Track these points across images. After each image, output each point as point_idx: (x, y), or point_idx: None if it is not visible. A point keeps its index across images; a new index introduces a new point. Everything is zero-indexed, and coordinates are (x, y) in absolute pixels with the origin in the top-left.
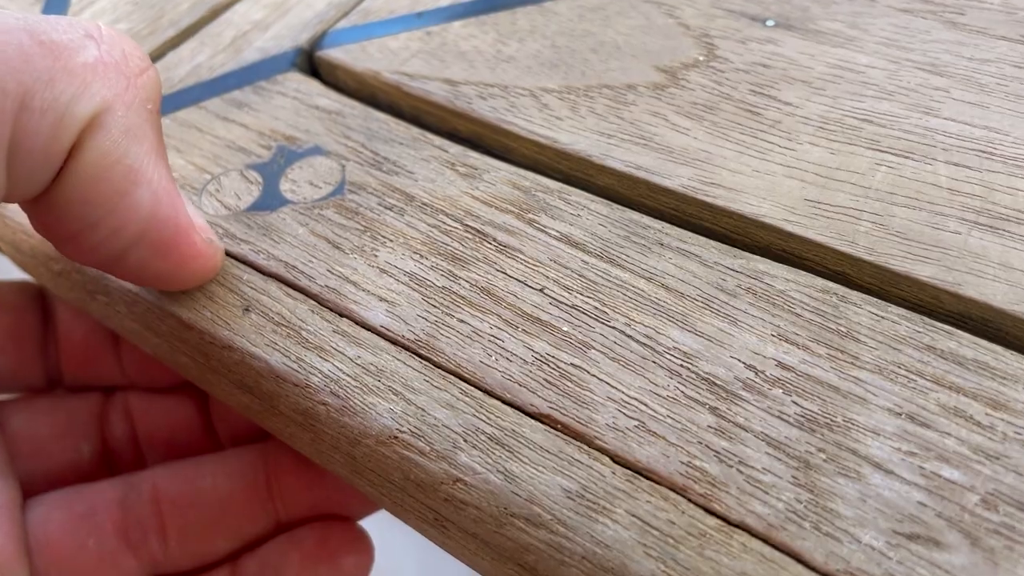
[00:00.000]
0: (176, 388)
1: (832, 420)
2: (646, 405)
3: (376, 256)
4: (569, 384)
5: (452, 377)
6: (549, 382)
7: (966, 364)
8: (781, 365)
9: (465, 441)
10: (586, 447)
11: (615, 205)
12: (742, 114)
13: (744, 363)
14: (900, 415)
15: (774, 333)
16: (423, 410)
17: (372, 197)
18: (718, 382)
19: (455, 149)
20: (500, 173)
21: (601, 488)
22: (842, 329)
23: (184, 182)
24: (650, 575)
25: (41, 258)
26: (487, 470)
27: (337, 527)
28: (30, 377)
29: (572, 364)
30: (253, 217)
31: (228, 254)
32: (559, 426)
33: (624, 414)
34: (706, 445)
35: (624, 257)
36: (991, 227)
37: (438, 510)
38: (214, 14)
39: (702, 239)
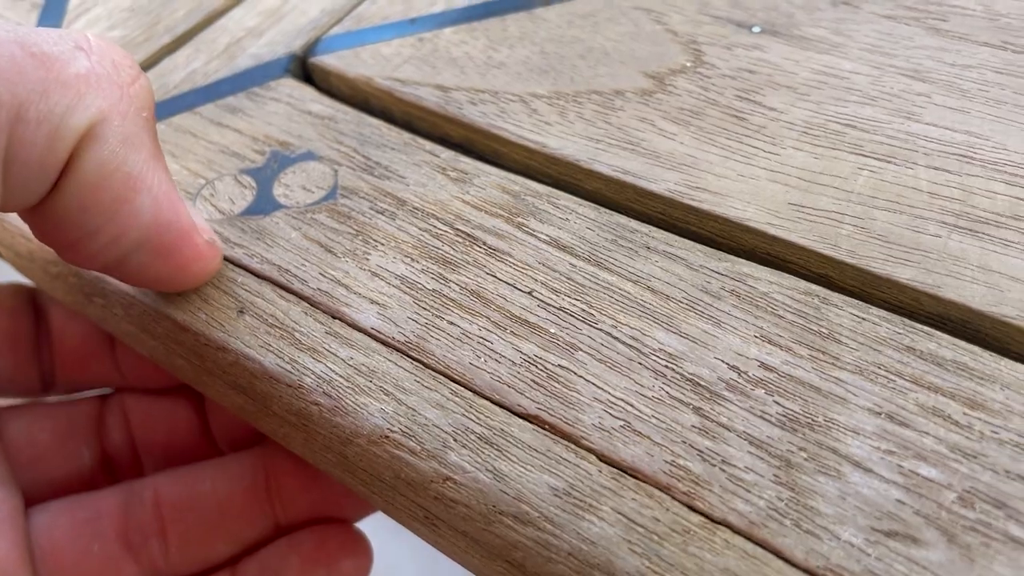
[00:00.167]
0: (172, 390)
1: (813, 420)
2: (632, 405)
3: (368, 259)
4: (556, 385)
5: (442, 378)
6: (537, 383)
7: (945, 365)
8: (764, 366)
9: (455, 440)
10: (573, 446)
11: (603, 209)
12: (728, 119)
13: (727, 364)
14: (880, 415)
15: (757, 334)
16: (414, 410)
17: (364, 201)
18: (702, 383)
19: (446, 154)
20: (490, 178)
21: (587, 486)
22: (824, 330)
23: (179, 187)
24: (635, 571)
25: (39, 261)
26: (476, 469)
27: (335, 530)
28: (25, 380)
29: (560, 365)
30: (247, 221)
31: (223, 257)
32: (547, 426)
33: (610, 414)
34: (690, 444)
35: (611, 260)
36: (970, 230)
37: (428, 508)
38: (209, 21)
39: (688, 242)
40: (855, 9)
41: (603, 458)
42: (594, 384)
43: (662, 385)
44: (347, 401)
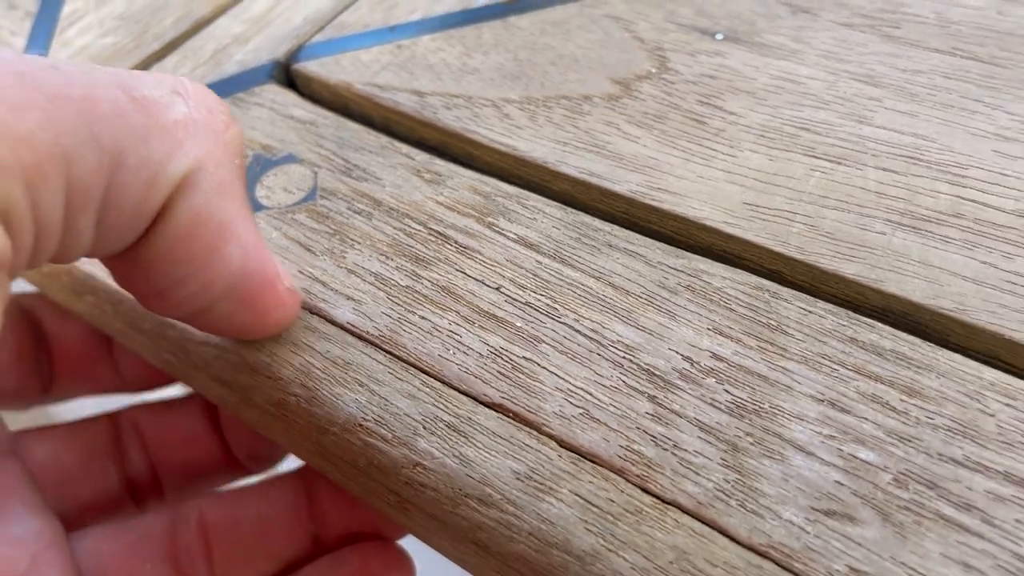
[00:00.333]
0: (181, 401)
1: (760, 407)
2: (590, 394)
3: (345, 258)
4: (521, 375)
5: (413, 369)
6: (503, 374)
7: (885, 354)
8: (715, 356)
9: (424, 428)
10: (535, 433)
11: (569, 209)
12: (689, 123)
13: (681, 355)
14: (822, 402)
15: (710, 327)
16: (386, 400)
17: (342, 202)
18: (657, 372)
19: (421, 157)
20: (463, 179)
21: (548, 470)
22: (772, 323)
23: None
24: (590, 549)
25: None
26: (444, 455)
27: (378, 547)
28: (26, 389)
29: (524, 357)
30: None
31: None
32: (511, 414)
33: (570, 403)
34: (644, 430)
35: (575, 257)
36: (913, 228)
37: (399, 492)
38: (196, 28)
39: (648, 240)
40: (814, 17)
41: (563, 444)
42: (556, 374)
43: (619, 375)
44: (323, 392)
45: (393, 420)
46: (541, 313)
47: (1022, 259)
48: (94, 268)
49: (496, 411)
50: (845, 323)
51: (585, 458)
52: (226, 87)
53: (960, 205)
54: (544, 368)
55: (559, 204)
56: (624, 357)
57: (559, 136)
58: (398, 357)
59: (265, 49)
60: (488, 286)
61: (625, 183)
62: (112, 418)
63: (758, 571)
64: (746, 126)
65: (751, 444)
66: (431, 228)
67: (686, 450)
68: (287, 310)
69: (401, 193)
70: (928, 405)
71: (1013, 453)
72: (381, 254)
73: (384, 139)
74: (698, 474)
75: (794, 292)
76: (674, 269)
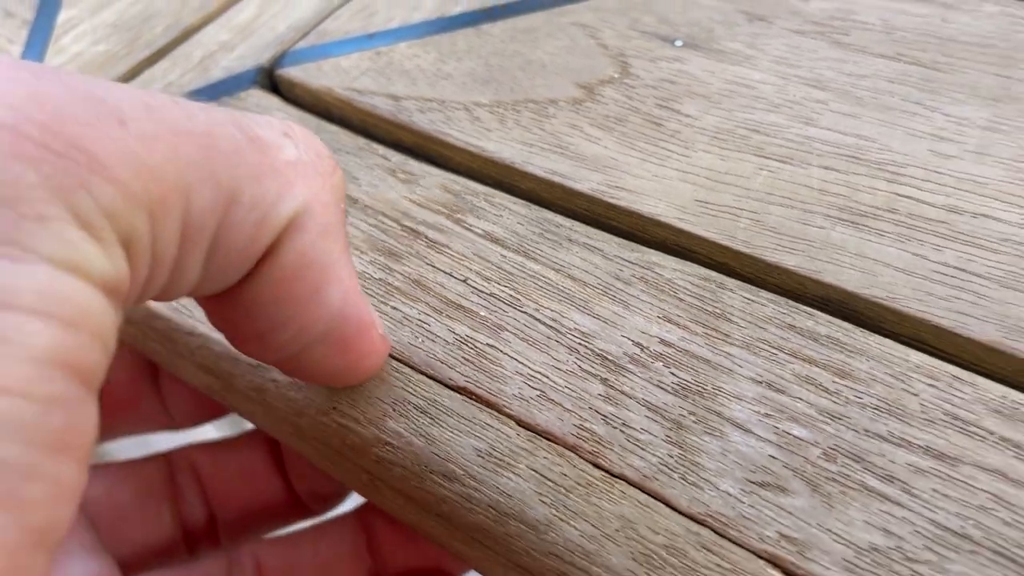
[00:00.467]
0: (240, 439)
1: (703, 388)
2: (548, 378)
3: None
4: (484, 361)
5: None
6: (467, 360)
7: (820, 340)
8: (663, 342)
9: (393, 410)
10: (496, 413)
11: (533, 206)
12: (647, 125)
13: (632, 341)
14: (760, 383)
15: (659, 315)
16: (359, 386)
17: None
18: (609, 357)
19: (396, 157)
20: (435, 178)
21: (506, 447)
22: (717, 311)
23: None
24: (544, 519)
25: None
26: (411, 434)
27: None
28: None
29: (488, 344)
30: None
31: None
32: (474, 396)
33: (529, 385)
34: (595, 410)
35: (538, 251)
36: (851, 222)
37: (370, 470)
38: (185, 36)
39: (606, 235)
40: (768, 24)
41: (521, 423)
42: (517, 360)
43: (575, 360)
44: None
45: (365, 403)
46: (504, 303)
47: (950, 251)
48: None
49: (460, 394)
50: (785, 311)
51: (541, 436)
52: (212, 92)
53: (896, 201)
54: (506, 354)
55: (524, 202)
56: (580, 343)
57: (526, 138)
58: None
59: (250, 56)
60: (456, 278)
61: (586, 182)
62: (167, 458)
63: (696, 538)
64: (701, 128)
65: (694, 422)
66: (404, 224)
67: (634, 428)
68: (378, 357)
69: (376, 192)
70: (858, 386)
71: (934, 429)
72: (356, 249)
73: (362, 141)
74: (644, 450)
75: (739, 283)
76: (629, 262)
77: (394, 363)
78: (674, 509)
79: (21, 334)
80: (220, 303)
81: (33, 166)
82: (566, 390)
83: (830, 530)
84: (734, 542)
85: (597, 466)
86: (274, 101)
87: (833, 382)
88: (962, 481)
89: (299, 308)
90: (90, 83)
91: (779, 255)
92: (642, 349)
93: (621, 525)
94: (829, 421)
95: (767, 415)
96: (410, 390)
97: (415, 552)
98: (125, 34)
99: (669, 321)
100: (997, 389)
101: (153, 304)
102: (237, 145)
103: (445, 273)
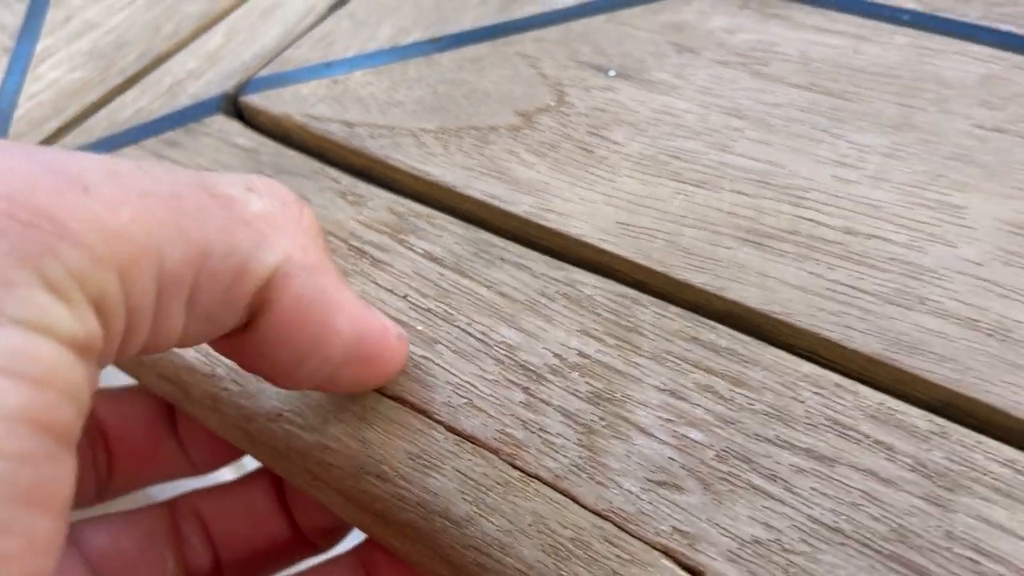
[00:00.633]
0: (245, 478)
1: (613, 396)
2: (475, 387)
3: None
4: (419, 372)
5: None
6: (403, 370)
7: (720, 351)
8: (581, 354)
9: (335, 417)
10: (426, 419)
11: (471, 227)
12: (578, 152)
13: (553, 353)
14: (664, 391)
15: (578, 329)
16: (303, 393)
17: None
18: (531, 368)
19: (347, 181)
20: (381, 201)
21: (435, 450)
22: (630, 325)
23: None
24: (465, 515)
25: None
26: (348, 438)
27: None
28: (80, 485)
29: (423, 356)
30: None
31: None
32: (407, 404)
33: (457, 394)
34: (516, 416)
35: (472, 269)
36: (756, 243)
37: (313, 471)
38: (156, 63)
39: (536, 254)
40: (696, 56)
41: (449, 428)
42: (448, 370)
43: (500, 370)
44: (250, 386)
45: (309, 410)
46: (439, 318)
47: (843, 270)
48: None
49: (395, 401)
50: (691, 325)
51: (466, 440)
52: (179, 118)
53: (798, 223)
54: (438, 365)
55: (464, 223)
56: (505, 355)
57: (467, 163)
58: None
59: (216, 83)
60: (396, 295)
61: (520, 204)
62: (170, 505)
63: (600, 531)
64: (626, 154)
65: (603, 427)
66: (351, 244)
67: (549, 432)
68: (402, 357)
69: (327, 213)
70: (751, 393)
71: (816, 433)
72: None
73: (316, 165)
74: (558, 452)
75: (653, 299)
76: (554, 279)
77: None
78: (581, 505)
79: None
80: (244, 353)
81: (1, 236)
82: (491, 398)
83: (718, 524)
84: (633, 535)
85: (515, 467)
86: (236, 127)
87: (729, 390)
88: (838, 480)
89: (314, 344)
90: (55, 155)
91: (689, 273)
92: (561, 360)
93: (533, 520)
94: (723, 426)
95: (668, 420)
96: (350, 399)
97: None
98: (99, 61)
99: (587, 334)
100: (876, 396)
101: None
102: (203, 203)
103: (387, 290)
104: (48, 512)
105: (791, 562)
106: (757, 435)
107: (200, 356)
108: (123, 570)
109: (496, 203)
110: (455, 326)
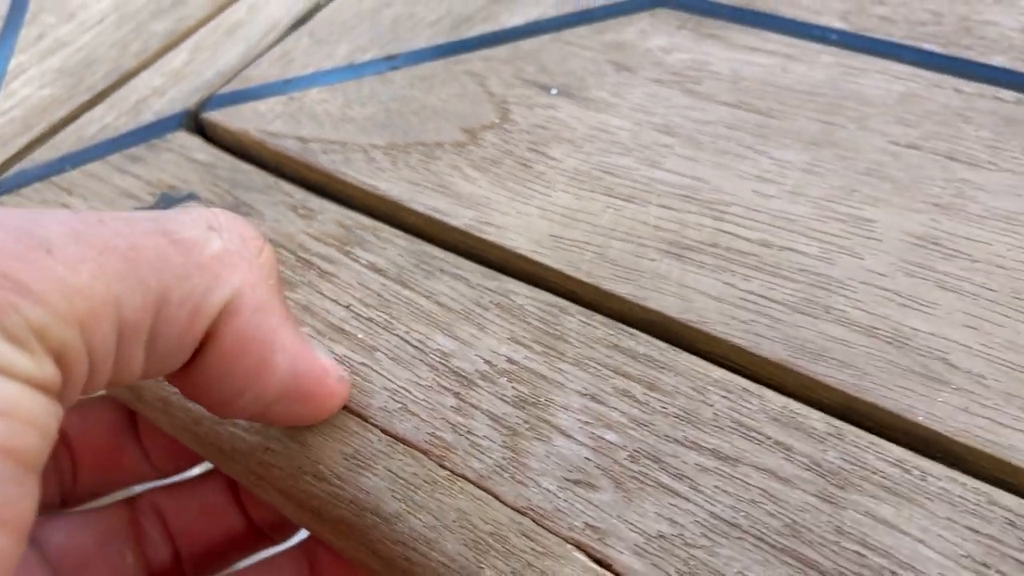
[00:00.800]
0: (202, 476)
1: (537, 400)
2: (410, 392)
3: None
4: (357, 378)
5: None
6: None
7: (638, 357)
8: (509, 360)
9: None
10: (363, 422)
11: (415, 239)
12: (518, 167)
13: (484, 359)
14: (585, 395)
15: (509, 336)
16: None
17: None
18: (463, 374)
19: (299, 195)
20: (331, 214)
21: (369, 451)
22: (557, 333)
23: None
24: (394, 512)
25: None
26: (288, 439)
27: None
28: (46, 493)
29: (362, 363)
30: None
31: None
32: (346, 408)
33: (393, 399)
34: (446, 420)
35: (413, 280)
36: (678, 255)
37: (255, 471)
38: (123, 81)
39: (474, 265)
40: (633, 74)
41: (384, 431)
42: (385, 377)
43: (434, 376)
44: None
45: None
46: (379, 327)
47: (757, 280)
48: None
49: None
50: (613, 333)
51: (399, 442)
52: (143, 134)
53: (718, 236)
54: (376, 372)
55: (408, 235)
56: (440, 362)
57: (413, 178)
58: None
59: (179, 99)
60: (340, 304)
61: (461, 218)
62: (130, 502)
63: (518, 526)
64: (562, 170)
65: (526, 429)
66: (299, 256)
67: (477, 435)
68: (338, 399)
69: (279, 226)
70: (664, 398)
71: (721, 435)
72: None
73: (271, 179)
74: (483, 453)
75: (580, 308)
76: (489, 290)
77: None
78: (503, 503)
79: None
80: (185, 382)
81: None
82: (424, 403)
83: (627, 520)
84: (548, 530)
85: (443, 467)
86: (196, 142)
87: (644, 394)
88: (739, 479)
89: (250, 379)
90: (21, 218)
91: (614, 284)
92: (491, 366)
93: (457, 516)
94: (637, 428)
95: (587, 423)
96: None
97: None
98: (69, 79)
99: (516, 342)
100: (780, 400)
101: None
102: (162, 252)
103: (331, 300)
104: (7, 531)
105: (692, 555)
106: (667, 436)
107: None
108: (82, 567)
109: (439, 216)
110: (394, 334)
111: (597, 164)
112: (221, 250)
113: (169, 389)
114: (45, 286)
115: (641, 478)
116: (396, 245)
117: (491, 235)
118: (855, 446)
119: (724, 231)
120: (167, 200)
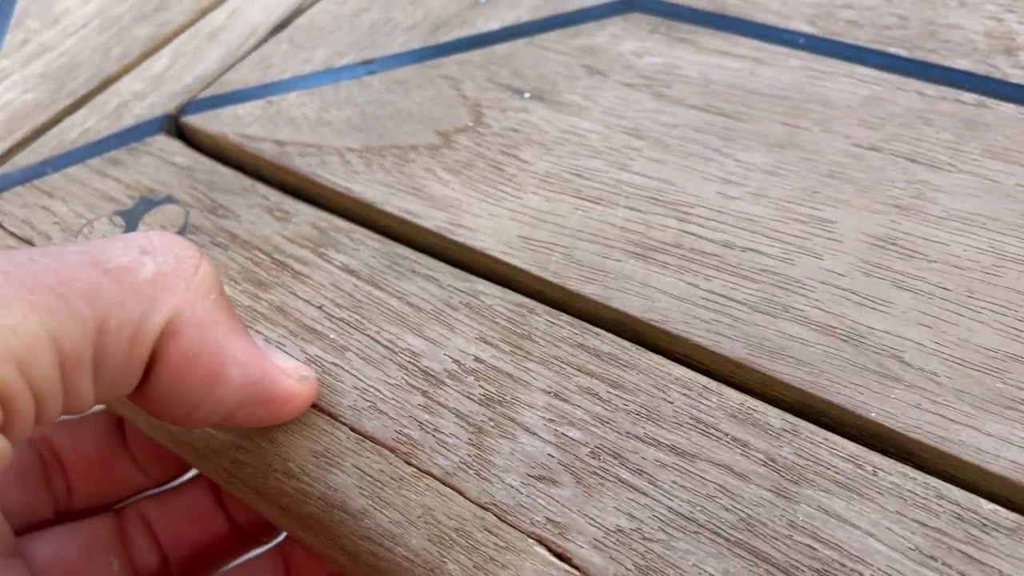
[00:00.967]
0: (187, 482)
1: (503, 398)
2: (379, 391)
3: None
4: (328, 377)
5: None
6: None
7: (602, 356)
8: (477, 359)
9: None
10: (333, 421)
11: (388, 241)
12: (490, 170)
13: (452, 359)
14: (550, 393)
15: (477, 336)
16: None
17: (205, 236)
18: (432, 373)
19: (276, 197)
20: (306, 216)
21: (337, 449)
22: (524, 332)
23: (64, 226)
24: (361, 508)
25: None
26: (259, 438)
27: None
28: (37, 511)
29: (333, 363)
30: None
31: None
32: (316, 407)
33: (363, 398)
34: (414, 418)
35: (385, 281)
36: (643, 256)
37: (228, 469)
38: (104, 86)
39: (444, 266)
40: (604, 78)
41: (352, 429)
42: (355, 376)
43: (404, 376)
44: None
45: None
46: (351, 327)
47: (718, 280)
48: None
49: None
50: (578, 332)
51: (367, 439)
52: (123, 138)
53: (681, 237)
54: (347, 371)
55: (381, 237)
56: (409, 361)
57: (387, 180)
58: None
59: (160, 104)
60: (313, 305)
61: (433, 220)
62: (116, 512)
63: (481, 522)
64: (534, 172)
65: (492, 427)
66: (274, 257)
67: (443, 433)
68: (302, 399)
69: (255, 228)
70: (626, 395)
71: (680, 431)
72: (231, 279)
73: (248, 182)
74: (449, 451)
75: (547, 308)
76: (459, 290)
77: None
78: (467, 499)
79: None
80: (144, 401)
81: None
82: (392, 401)
83: (587, 515)
84: (511, 525)
85: (410, 464)
86: (176, 146)
87: (607, 392)
88: (696, 474)
89: (205, 392)
90: None
91: (580, 284)
92: (459, 365)
93: (423, 512)
94: (599, 425)
95: (551, 420)
96: None
97: None
98: (51, 84)
99: (484, 341)
100: (738, 397)
101: None
102: (94, 282)
103: (304, 301)
104: None
105: (649, 549)
106: (628, 433)
107: None
108: None
109: (411, 218)
110: (365, 334)
111: (567, 167)
112: (155, 273)
113: None
114: None
115: (601, 474)
116: (369, 247)
117: (462, 236)
118: (810, 442)
119: (688, 232)
120: (146, 203)
